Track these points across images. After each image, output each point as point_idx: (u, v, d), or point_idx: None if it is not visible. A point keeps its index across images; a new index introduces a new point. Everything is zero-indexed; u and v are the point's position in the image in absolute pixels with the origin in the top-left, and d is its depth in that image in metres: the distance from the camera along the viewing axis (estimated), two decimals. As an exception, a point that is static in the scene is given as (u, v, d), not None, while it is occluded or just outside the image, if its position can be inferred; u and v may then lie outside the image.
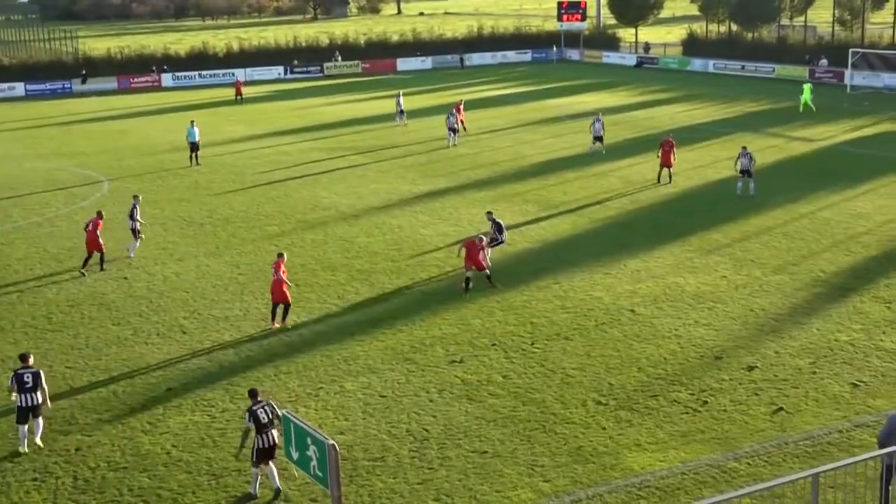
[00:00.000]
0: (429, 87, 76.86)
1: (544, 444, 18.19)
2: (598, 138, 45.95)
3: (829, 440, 17.95)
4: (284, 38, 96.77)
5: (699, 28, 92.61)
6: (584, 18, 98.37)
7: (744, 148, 37.42)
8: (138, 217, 31.03)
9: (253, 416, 16.27)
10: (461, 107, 54.07)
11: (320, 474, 13.32)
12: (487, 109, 62.02)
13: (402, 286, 27.62)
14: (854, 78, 69.43)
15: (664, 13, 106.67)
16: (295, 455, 13.86)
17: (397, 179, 42.08)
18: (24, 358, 18.83)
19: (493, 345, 23.12)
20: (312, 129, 57.39)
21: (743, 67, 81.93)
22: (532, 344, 23.09)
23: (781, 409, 19.29)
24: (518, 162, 45.31)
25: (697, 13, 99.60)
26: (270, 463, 16.49)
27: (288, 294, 24.42)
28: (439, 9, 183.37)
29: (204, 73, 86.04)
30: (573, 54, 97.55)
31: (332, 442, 12.99)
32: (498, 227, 29.21)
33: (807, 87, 60.61)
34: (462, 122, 51.80)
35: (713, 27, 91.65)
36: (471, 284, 26.60)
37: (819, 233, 31.91)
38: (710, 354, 22.12)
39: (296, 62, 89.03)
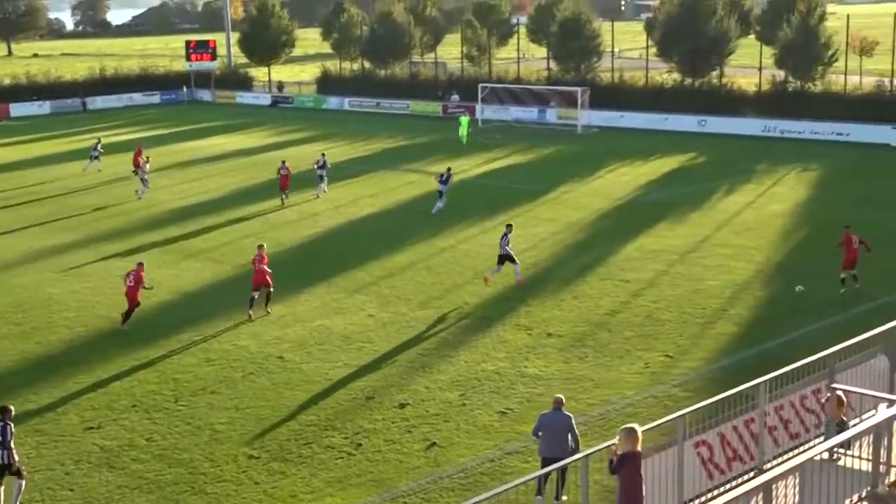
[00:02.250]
0: (48, 133, 73.23)
1: (195, 507, 17.67)
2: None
3: (481, 470, 18.74)
4: None
5: (333, 66, 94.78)
6: (214, 58, 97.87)
7: (448, 169, 41.98)
8: None
9: None
10: (141, 149, 50.90)
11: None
12: (116, 156, 59.99)
13: (27, 351, 25.95)
14: (485, 112, 73.75)
15: (296, 51, 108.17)
16: None
17: (17, 235, 39.63)
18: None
19: (134, 406, 22.23)
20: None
21: (378, 104, 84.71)
22: (176, 401, 22.42)
23: (434, 444, 19.93)
24: (153, 209, 44.13)
25: (330, 51, 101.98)
26: (17, 479, 17.39)
27: (270, 279, 28.30)
28: (55, 49, 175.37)
29: None
30: (205, 95, 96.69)
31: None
32: None
33: (464, 119, 63.94)
34: (141, 165, 48.17)
35: (346, 65, 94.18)
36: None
37: (461, 265, 33.44)
38: (362, 395, 22.48)
39: None
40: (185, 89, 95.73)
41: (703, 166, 53.78)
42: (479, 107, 74.10)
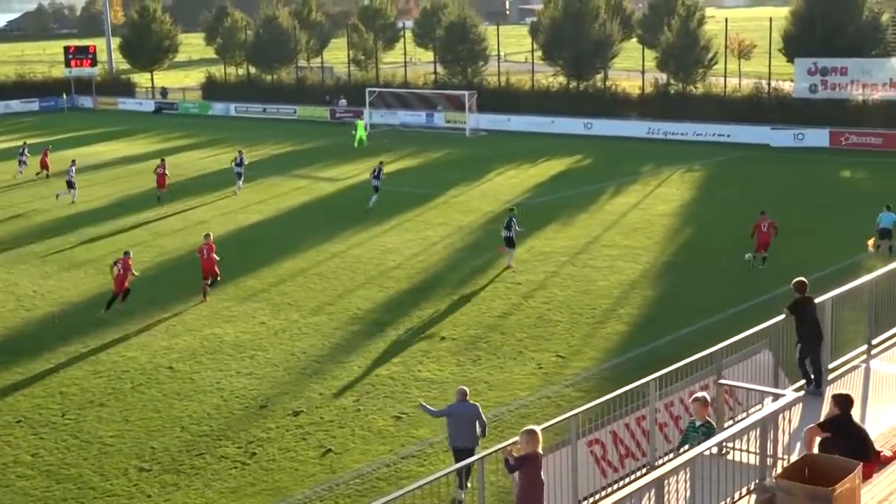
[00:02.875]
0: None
1: (85, 524, 17.27)
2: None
3: (377, 475, 18.73)
4: None
5: (217, 71, 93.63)
6: (94, 64, 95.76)
7: (380, 163, 44.44)
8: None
9: None
10: (48, 151, 51.76)
11: None
12: (-8, 164, 58.27)
13: None
14: (373, 116, 73.70)
15: (180, 56, 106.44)
16: None
17: None
18: None
19: (19, 421, 21.63)
20: None
21: (265, 110, 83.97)
22: (63, 415, 21.89)
23: (330, 450, 19.85)
24: (34, 218, 42.97)
25: (215, 56, 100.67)
26: None
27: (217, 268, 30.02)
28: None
29: None
30: (86, 102, 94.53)
31: None
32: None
33: (360, 123, 64.03)
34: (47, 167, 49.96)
35: (231, 70, 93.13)
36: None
37: (352, 270, 33.36)
38: (255, 404, 22.27)
39: None
40: (64, 96, 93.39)
41: (589, 168, 54.65)
42: (366, 111, 73.94)
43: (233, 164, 48.05)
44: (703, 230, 38.35)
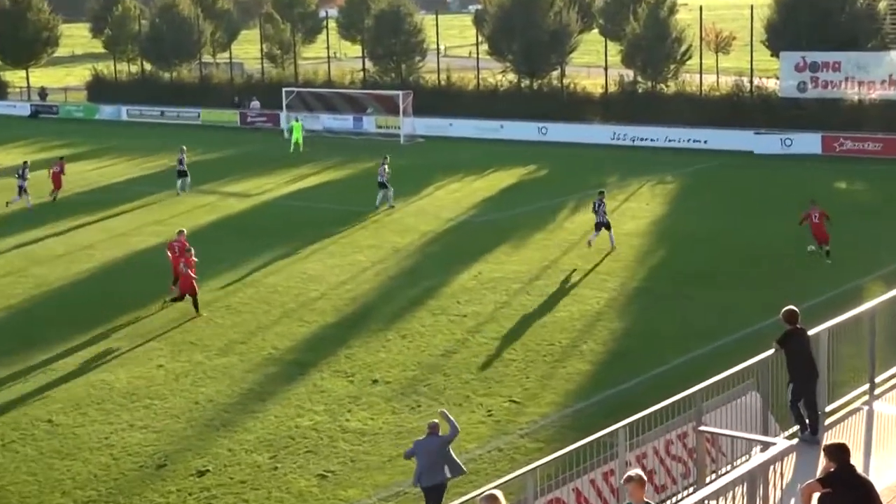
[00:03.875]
0: None
1: None
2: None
3: (299, 545, 18.51)
4: None
5: (106, 68, 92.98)
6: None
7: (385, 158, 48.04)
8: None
9: None
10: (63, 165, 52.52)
11: None
12: None
13: None
14: (290, 121, 73.53)
15: (61, 51, 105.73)
16: None
17: None
18: None
19: None
20: None
21: (162, 113, 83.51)
22: (-82, 481, 21.37)
23: (242, 517, 19.60)
24: None
25: (103, 50, 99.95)
26: None
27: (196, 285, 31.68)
28: None
29: None
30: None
31: None
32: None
33: (297, 125, 64.70)
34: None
35: (123, 67, 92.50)
36: None
37: (268, 303, 33.11)
38: (152, 463, 21.94)
39: None
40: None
41: (545, 181, 54.91)
42: (283, 115, 73.84)
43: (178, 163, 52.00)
44: (677, 251, 38.64)
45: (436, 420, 18.72)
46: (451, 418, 18.75)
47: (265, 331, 30.41)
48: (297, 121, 67.08)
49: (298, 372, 26.99)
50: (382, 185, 47.01)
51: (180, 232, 34.01)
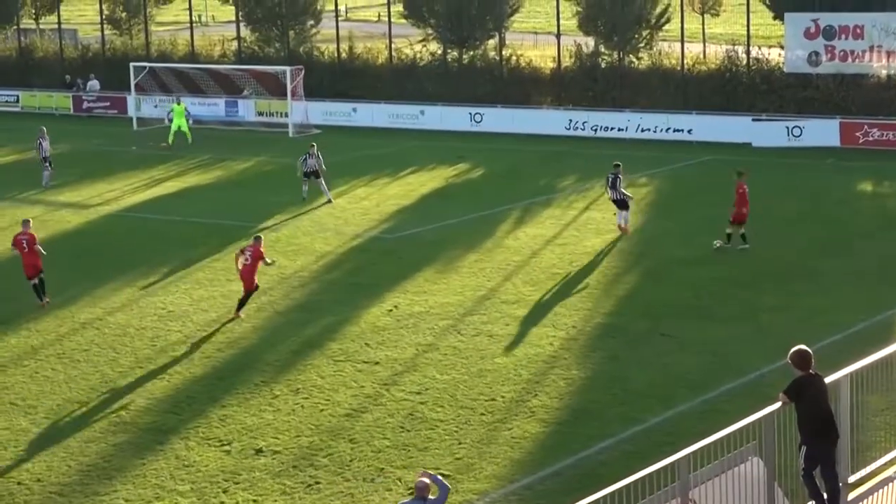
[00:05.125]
0: None
1: None
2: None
3: None
4: None
5: None
6: None
7: (312, 146, 51.41)
8: None
9: None
10: None
11: None
12: None
13: None
14: (142, 107, 73.16)
15: None
16: None
17: None
18: None
19: None
20: None
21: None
22: None
23: None
24: None
25: None
26: None
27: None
28: None
29: None
30: None
31: None
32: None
33: (179, 108, 65.50)
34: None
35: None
36: None
37: (114, 349, 32.90)
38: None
39: None
40: None
41: (480, 184, 55.14)
42: (131, 99, 73.53)
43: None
44: (654, 276, 38.99)
45: (424, 479, 18.86)
46: (438, 477, 18.92)
47: (111, 384, 30.23)
48: (178, 103, 67.31)
49: (156, 440, 26.84)
50: (310, 175, 50.29)
51: (257, 239, 36.07)
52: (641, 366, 30.60)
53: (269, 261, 35.91)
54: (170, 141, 65.38)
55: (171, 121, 66.37)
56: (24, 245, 36.64)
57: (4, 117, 77.79)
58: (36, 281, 36.67)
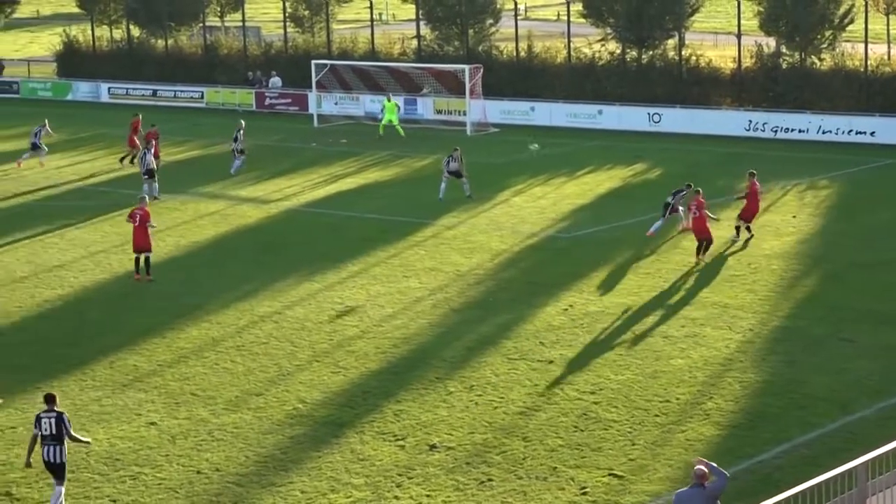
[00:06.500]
0: None
1: None
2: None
3: None
4: None
5: (81, 34, 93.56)
6: None
7: (456, 150, 51.34)
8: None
9: (37, 421, 23.16)
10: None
11: None
12: None
13: None
14: (323, 103, 73.85)
15: (22, 11, 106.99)
16: None
17: None
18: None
19: None
20: None
21: (155, 93, 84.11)
22: None
23: None
24: None
25: (77, 11, 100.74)
26: (57, 485, 22.66)
27: None
28: None
29: None
30: None
31: None
32: None
33: (390, 104, 67.28)
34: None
35: (104, 32, 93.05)
36: None
37: (292, 342, 33.33)
38: (142, 550, 22.19)
39: None
40: None
41: (658, 184, 54.75)
42: (312, 96, 74.20)
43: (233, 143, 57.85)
44: (834, 280, 38.45)
45: (702, 467, 18.84)
46: (713, 465, 18.94)
47: (288, 380, 30.61)
48: (388, 100, 68.74)
49: (332, 434, 27.14)
50: (452, 175, 50.88)
51: (695, 190, 41.64)
52: (819, 370, 30.21)
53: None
54: (380, 132, 67.05)
55: (383, 113, 68.24)
56: (137, 219, 39.20)
57: (189, 113, 79.10)
58: (141, 256, 39.40)
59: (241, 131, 57.16)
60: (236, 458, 26.01)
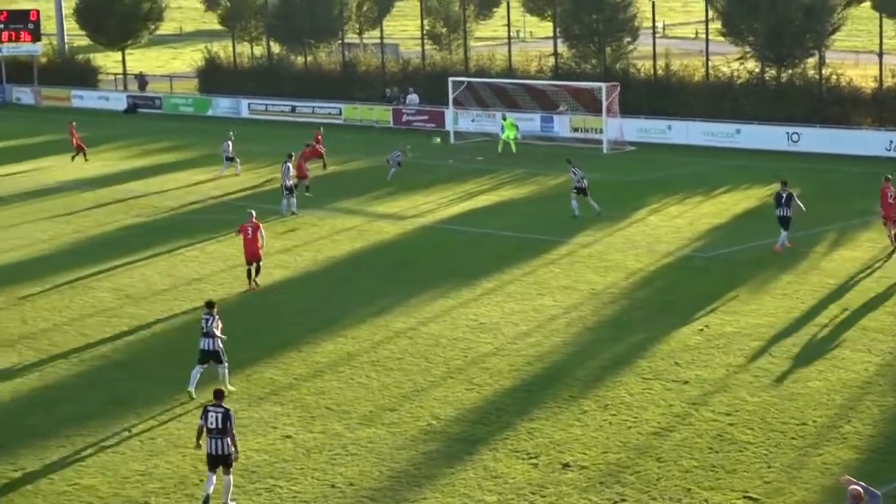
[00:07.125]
0: None
1: None
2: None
3: None
4: None
5: (223, 50, 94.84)
6: (37, 38, 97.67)
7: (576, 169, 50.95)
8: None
9: (204, 413, 24.35)
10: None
11: None
12: None
13: None
14: (459, 120, 74.07)
15: (166, 28, 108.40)
16: None
17: None
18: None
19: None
20: None
21: (293, 109, 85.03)
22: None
23: None
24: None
25: (219, 28, 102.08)
26: (225, 475, 24.09)
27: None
28: None
29: None
30: (23, 95, 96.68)
31: None
32: None
33: (508, 123, 68.36)
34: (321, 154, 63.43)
35: (244, 49, 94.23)
36: None
37: (427, 358, 33.42)
38: (276, 563, 22.32)
39: None
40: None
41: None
42: (449, 112, 74.48)
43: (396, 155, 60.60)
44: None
45: (857, 487, 18.73)
46: (864, 485, 18.79)
47: (423, 395, 30.68)
48: (504, 119, 69.69)
49: (465, 450, 27.13)
50: (579, 192, 50.88)
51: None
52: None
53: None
54: (500, 149, 68.02)
55: (503, 131, 69.04)
56: (249, 232, 40.55)
57: (328, 129, 79.65)
58: (252, 266, 40.91)
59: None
60: (370, 473, 26.11)
